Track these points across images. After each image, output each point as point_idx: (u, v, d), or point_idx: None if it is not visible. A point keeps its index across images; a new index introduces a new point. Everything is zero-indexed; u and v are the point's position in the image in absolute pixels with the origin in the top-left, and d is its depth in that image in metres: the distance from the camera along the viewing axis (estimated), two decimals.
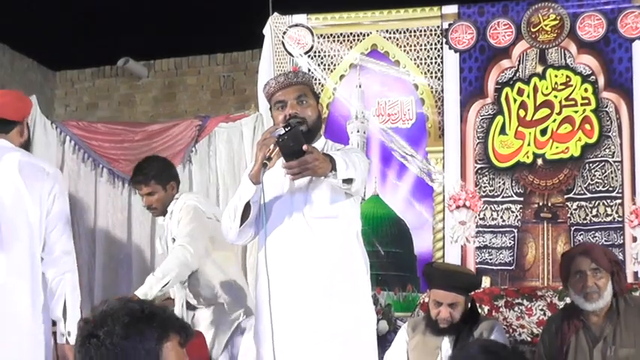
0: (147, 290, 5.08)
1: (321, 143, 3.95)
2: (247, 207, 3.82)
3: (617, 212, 6.30)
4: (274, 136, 3.62)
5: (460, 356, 2.13)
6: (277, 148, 3.59)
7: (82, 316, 4.19)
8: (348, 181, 3.66)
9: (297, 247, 3.82)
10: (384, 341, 5.37)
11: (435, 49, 6.81)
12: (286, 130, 3.58)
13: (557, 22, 6.55)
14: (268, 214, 3.84)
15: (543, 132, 6.50)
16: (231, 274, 5.65)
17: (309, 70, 6.86)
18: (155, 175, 5.65)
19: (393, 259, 6.66)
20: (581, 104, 6.45)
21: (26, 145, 4.46)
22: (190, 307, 5.66)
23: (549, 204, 6.47)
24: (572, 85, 6.49)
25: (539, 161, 6.50)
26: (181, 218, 5.43)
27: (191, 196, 5.73)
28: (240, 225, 3.85)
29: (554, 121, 6.48)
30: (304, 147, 3.50)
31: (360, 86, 6.95)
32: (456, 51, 6.76)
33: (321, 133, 4.09)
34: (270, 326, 3.69)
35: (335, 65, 6.99)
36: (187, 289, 5.60)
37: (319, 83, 6.83)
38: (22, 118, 4.42)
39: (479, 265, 6.37)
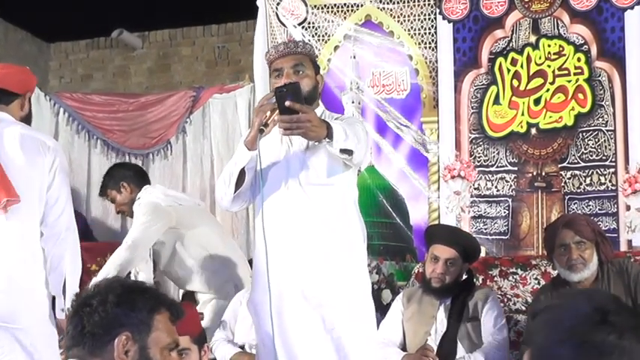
0: None
1: (318, 112, 3.90)
2: (242, 173, 3.81)
3: (610, 181, 6.32)
4: (271, 102, 3.62)
5: (574, 301, 1.97)
6: (274, 115, 3.59)
7: None
8: (348, 152, 3.65)
9: (293, 214, 3.81)
10: (388, 309, 5.40)
11: (429, 19, 6.82)
12: (286, 84, 3.57)
13: None
14: (264, 180, 3.82)
15: (537, 102, 6.52)
16: (212, 249, 5.67)
17: (303, 40, 6.85)
18: (106, 184, 5.78)
19: (391, 229, 6.69)
20: (574, 74, 6.47)
21: (27, 120, 4.44)
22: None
23: (543, 173, 6.50)
24: (565, 55, 6.50)
25: (533, 131, 6.53)
26: (135, 217, 5.47)
27: (146, 192, 5.67)
28: (235, 191, 3.87)
29: (548, 90, 6.50)
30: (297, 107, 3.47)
31: (354, 57, 6.96)
32: (449, 21, 6.78)
33: (318, 102, 4.08)
34: (267, 295, 3.71)
35: (329, 36, 6.99)
36: (165, 276, 5.70)
37: (315, 54, 6.82)
38: (25, 91, 4.37)
39: (474, 235, 6.39)
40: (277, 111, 3.58)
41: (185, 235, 5.57)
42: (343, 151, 3.63)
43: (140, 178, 5.78)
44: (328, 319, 3.79)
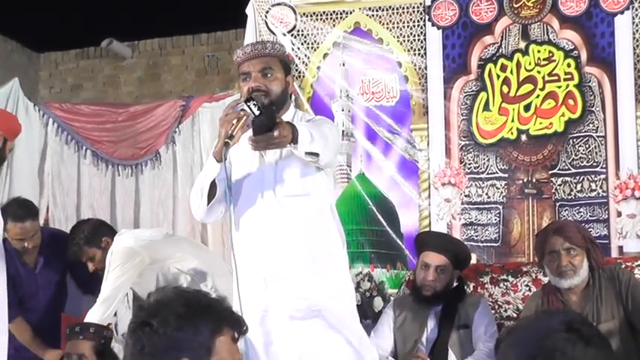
0: None
1: (290, 114, 3.85)
2: (214, 184, 3.75)
3: (601, 187, 6.30)
4: (236, 110, 3.55)
5: (538, 321, 2.02)
6: (240, 124, 3.51)
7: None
8: (314, 154, 3.60)
9: (270, 227, 3.76)
10: (379, 317, 5.39)
11: (418, 26, 6.79)
12: (261, 110, 3.47)
13: None
14: (239, 192, 3.79)
15: (527, 108, 6.50)
16: (191, 270, 5.60)
17: (293, 49, 6.83)
18: (85, 243, 5.50)
19: (382, 237, 6.65)
20: (564, 79, 6.44)
21: None
22: None
23: (534, 180, 6.48)
24: (555, 61, 6.48)
25: (524, 137, 6.50)
26: (108, 268, 5.26)
27: (116, 240, 5.48)
28: (208, 203, 3.81)
29: (538, 96, 6.48)
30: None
31: (343, 64, 6.94)
32: (438, 28, 6.75)
33: (290, 102, 3.99)
34: (254, 308, 3.68)
35: (318, 44, 6.96)
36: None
37: (303, 62, 6.81)
38: None
39: (465, 242, 6.36)
40: (244, 119, 3.54)
41: (163, 266, 5.49)
42: (309, 153, 3.60)
43: (112, 230, 5.65)
44: (313, 330, 3.75)
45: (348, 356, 3.78)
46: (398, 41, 6.81)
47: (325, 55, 6.97)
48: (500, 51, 6.63)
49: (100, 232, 5.54)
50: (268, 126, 3.42)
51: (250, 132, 3.53)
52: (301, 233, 3.77)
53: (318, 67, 6.93)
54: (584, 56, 6.42)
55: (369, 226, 6.57)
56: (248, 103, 3.48)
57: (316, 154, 3.59)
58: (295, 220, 3.77)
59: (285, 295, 3.73)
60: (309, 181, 3.80)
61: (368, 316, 5.65)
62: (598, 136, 6.33)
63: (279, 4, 6.98)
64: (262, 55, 3.80)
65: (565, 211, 6.35)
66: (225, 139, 3.54)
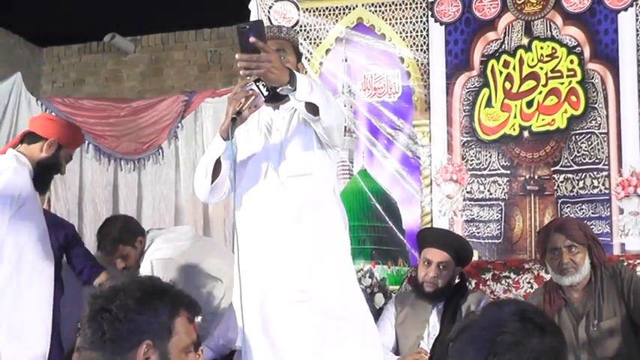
0: None
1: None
2: (219, 164, 3.75)
3: (603, 184, 6.28)
4: (245, 89, 3.55)
5: (490, 315, 2.00)
6: (248, 102, 3.53)
7: None
8: (315, 111, 3.55)
9: (271, 207, 3.74)
10: (380, 313, 5.39)
11: (421, 21, 6.78)
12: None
13: None
14: (242, 172, 3.78)
15: (529, 104, 6.48)
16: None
17: (283, 25, 6.81)
18: (120, 239, 5.63)
19: (384, 233, 6.65)
20: (567, 76, 6.43)
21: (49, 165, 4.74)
22: None
23: (536, 176, 6.46)
24: (557, 57, 6.47)
25: (526, 133, 6.49)
26: None
27: (155, 249, 5.63)
28: (212, 182, 3.80)
29: (540, 93, 6.47)
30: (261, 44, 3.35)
31: (346, 60, 6.93)
32: (441, 24, 6.74)
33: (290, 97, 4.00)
34: (251, 292, 3.65)
35: (321, 39, 6.96)
36: None
37: (305, 58, 6.80)
38: (49, 135, 4.75)
39: (467, 239, 6.35)
40: (252, 99, 3.53)
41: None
42: (309, 109, 3.56)
43: (142, 228, 5.79)
44: (316, 312, 3.72)
45: (350, 340, 3.74)
46: (400, 37, 6.80)
47: (328, 51, 6.96)
48: (503, 47, 6.61)
49: (134, 231, 5.65)
50: (256, 38, 3.34)
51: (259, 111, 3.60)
52: (302, 212, 3.74)
53: (321, 63, 6.93)
54: (587, 53, 6.41)
55: (370, 222, 6.57)
56: (257, 83, 3.48)
57: (316, 111, 3.54)
58: (297, 199, 3.74)
59: (284, 278, 3.71)
60: (311, 161, 3.78)
61: None
62: (600, 133, 6.32)
63: None
64: (277, 37, 3.81)
65: (567, 208, 6.34)
66: (233, 115, 3.53)
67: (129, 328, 2.35)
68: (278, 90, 3.49)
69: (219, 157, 3.72)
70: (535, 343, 1.93)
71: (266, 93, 3.49)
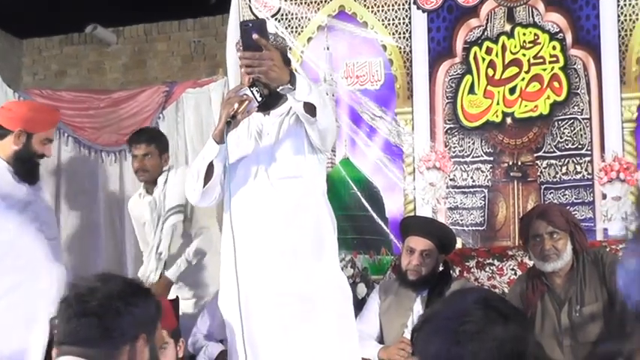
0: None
1: (288, 105, 3.88)
2: (211, 168, 3.79)
3: (586, 170, 6.28)
4: (239, 95, 3.59)
5: (453, 305, 2.01)
6: (242, 107, 3.56)
7: None
8: (312, 112, 3.60)
9: (261, 208, 3.79)
10: (363, 303, 5.39)
11: (403, 9, 6.75)
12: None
13: None
14: (233, 175, 3.82)
15: (512, 90, 6.46)
16: None
17: (277, 33, 6.78)
18: (156, 139, 5.82)
19: (366, 222, 6.64)
20: (550, 62, 6.41)
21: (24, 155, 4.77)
22: None
23: (519, 163, 6.45)
24: (540, 43, 6.44)
25: (509, 120, 6.47)
26: None
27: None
28: (204, 186, 3.82)
29: (523, 79, 6.45)
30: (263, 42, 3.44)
31: (328, 48, 6.89)
32: (423, 11, 6.71)
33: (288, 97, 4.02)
34: (237, 292, 3.66)
35: (302, 28, 6.92)
36: None
37: (287, 46, 6.77)
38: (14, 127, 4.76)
39: (450, 227, 6.35)
40: (246, 103, 3.57)
41: None
42: (307, 110, 3.58)
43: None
44: (303, 315, 3.74)
45: (330, 345, 3.79)
46: (383, 25, 6.77)
47: (309, 40, 6.93)
48: (486, 34, 6.59)
49: (168, 148, 6.11)
50: (256, 40, 3.43)
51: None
52: (292, 214, 3.80)
53: (302, 52, 6.90)
54: (569, 39, 6.39)
55: (352, 211, 6.56)
56: (251, 89, 3.56)
57: (313, 112, 3.58)
58: (286, 201, 3.80)
59: (272, 278, 3.75)
60: (302, 165, 3.83)
61: None
62: (583, 119, 6.31)
63: None
64: None
65: (550, 194, 6.34)
66: (228, 119, 3.58)
67: (129, 322, 2.33)
68: (278, 89, 3.56)
69: (211, 162, 3.76)
70: (498, 331, 1.93)
71: (259, 98, 3.58)
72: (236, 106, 3.59)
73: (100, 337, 2.32)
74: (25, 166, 4.83)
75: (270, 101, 3.71)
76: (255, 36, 3.41)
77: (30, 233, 4.70)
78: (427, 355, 1.98)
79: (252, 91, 3.56)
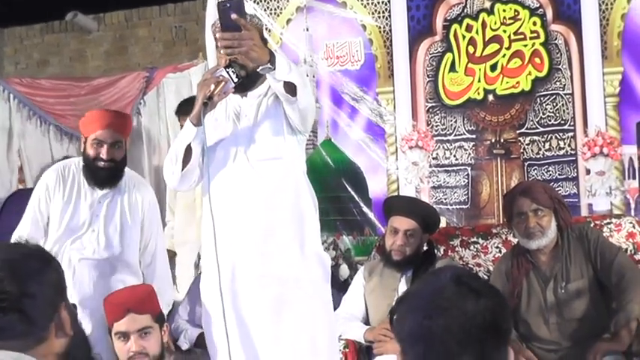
0: None
1: (265, 87, 3.84)
2: (189, 151, 3.76)
3: (569, 145, 6.27)
4: (215, 76, 3.57)
5: (428, 283, 2.05)
6: (218, 88, 3.54)
7: None
8: (292, 92, 3.58)
9: (242, 191, 3.76)
10: (346, 285, 5.38)
11: None
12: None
13: None
14: (212, 157, 3.79)
15: (493, 67, 6.44)
16: None
17: (255, 15, 6.73)
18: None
19: (349, 203, 6.63)
20: (530, 38, 6.38)
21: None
22: None
23: (502, 140, 6.44)
24: (520, 19, 6.42)
25: (490, 97, 6.45)
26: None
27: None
28: (182, 169, 3.80)
29: (504, 56, 6.42)
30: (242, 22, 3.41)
31: (307, 30, 6.86)
32: None
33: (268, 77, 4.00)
34: (217, 276, 3.65)
35: (281, 9, 6.90)
36: None
37: (266, 28, 6.72)
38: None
39: (434, 206, 6.34)
40: (222, 85, 3.54)
41: None
42: (288, 91, 3.57)
43: None
44: (285, 296, 3.73)
45: (312, 324, 3.77)
46: (362, 4, 6.74)
47: (289, 21, 6.90)
48: (466, 11, 6.56)
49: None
50: (234, 19, 3.41)
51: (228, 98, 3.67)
52: (272, 196, 3.77)
53: (282, 34, 6.87)
54: (549, 14, 6.36)
55: (335, 192, 6.54)
56: (227, 70, 3.52)
57: (294, 91, 3.56)
58: (266, 183, 3.76)
59: (253, 260, 3.72)
60: (282, 146, 3.80)
61: (333, 285, 5.62)
62: (565, 94, 6.29)
63: None
64: None
65: (534, 170, 6.33)
66: (204, 100, 3.57)
67: (48, 300, 2.25)
68: (258, 69, 3.52)
69: (189, 144, 3.74)
70: (469, 306, 1.95)
71: (236, 79, 3.54)
72: (212, 87, 3.57)
73: (26, 329, 2.25)
74: (87, 170, 4.78)
75: (247, 83, 3.67)
76: (233, 16, 3.38)
77: None
78: (402, 332, 2.00)
79: (228, 72, 3.53)
